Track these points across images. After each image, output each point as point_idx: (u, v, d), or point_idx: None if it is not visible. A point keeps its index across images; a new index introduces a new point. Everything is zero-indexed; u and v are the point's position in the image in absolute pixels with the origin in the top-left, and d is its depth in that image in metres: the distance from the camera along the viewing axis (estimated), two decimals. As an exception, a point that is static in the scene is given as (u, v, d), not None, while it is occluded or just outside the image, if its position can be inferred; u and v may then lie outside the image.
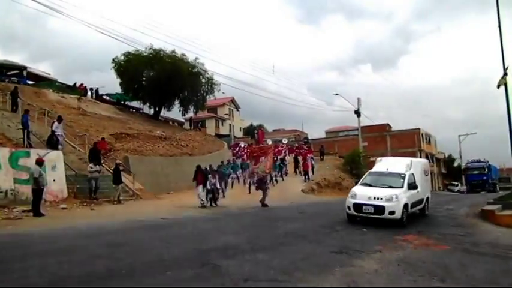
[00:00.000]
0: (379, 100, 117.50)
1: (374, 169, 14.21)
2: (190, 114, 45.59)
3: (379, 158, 15.47)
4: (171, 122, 47.37)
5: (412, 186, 12.55)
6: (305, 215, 14.74)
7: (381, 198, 11.55)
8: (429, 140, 56.74)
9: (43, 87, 31.50)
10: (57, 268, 6.13)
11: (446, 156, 67.13)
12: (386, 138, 52.53)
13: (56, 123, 18.24)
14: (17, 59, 73.90)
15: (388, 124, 55.59)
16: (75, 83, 37.97)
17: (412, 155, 50.41)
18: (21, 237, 8.84)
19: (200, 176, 17.14)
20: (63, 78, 39.15)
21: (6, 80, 29.14)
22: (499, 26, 16.15)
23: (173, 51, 37.83)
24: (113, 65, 38.20)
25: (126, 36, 41.06)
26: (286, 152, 34.43)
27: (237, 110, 69.17)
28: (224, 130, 59.88)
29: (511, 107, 15.82)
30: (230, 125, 62.40)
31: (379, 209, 11.40)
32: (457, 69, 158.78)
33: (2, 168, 13.81)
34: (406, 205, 11.77)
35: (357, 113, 36.72)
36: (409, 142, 50.65)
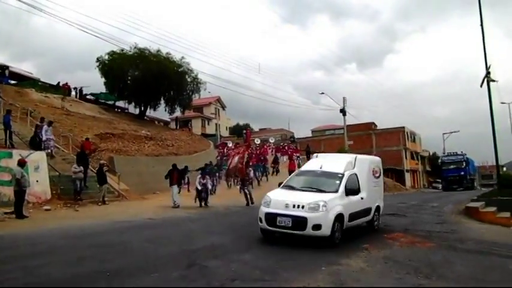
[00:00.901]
0: (364, 99, 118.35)
1: (304, 167, 11.03)
2: (177, 113, 45.34)
3: (315, 154, 12.18)
4: (156, 122, 47.04)
5: (353, 191, 9.39)
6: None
7: (303, 207, 8.26)
8: (414, 138, 57.44)
9: (26, 86, 31.05)
10: (43, 270, 6.08)
11: (431, 154, 68.03)
12: (371, 137, 53.02)
13: (45, 126, 18.06)
14: (-2, 58, 72.64)
15: (373, 123, 56.11)
16: (58, 83, 37.48)
17: (398, 153, 51.25)
18: (5, 239, 8.69)
19: (175, 175, 17.14)
20: (46, 78, 38.92)
21: (-13, 80, 28.64)
22: (481, 25, 16.42)
23: (158, 51, 37.56)
24: (97, 64, 37.71)
25: (110, 35, 40.71)
26: (273, 152, 34.52)
27: (223, 109, 69.04)
28: (210, 129, 59.71)
29: (493, 105, 16.04)
30: (216, 124, 62.21)
31: (299, 222, 8.12)
32: (441, 67, 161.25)
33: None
34: (339, 216, 8.52)
35: (343, 111, 36.96)
36: (394, 140, 51.27)
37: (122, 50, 36.37)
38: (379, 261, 7.22)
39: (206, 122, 61.44)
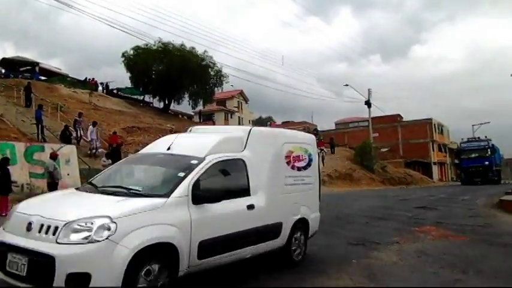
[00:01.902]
0: (389, 91, 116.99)
1: (147, 148, 6.63)
2: (200, 107, 45.66)
3: (190, 128, 7.24)
4: (180, 116, 47.45)
5: (221, 193, 4.98)
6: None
7: (55, 230, 3.77)
8: (441, 130, 56.29)
9: (55, 82, 31.79)
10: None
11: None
12: (397, 129, 52.26)
13: (90, 127, 18.72)
14: (28, 55, 74.47)
15: (399, 115, 55.24)
16: (86, 78, 38.24)
17: (425, 145, 50.33)
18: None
19: None
20: (73, 74, 39.51)
21: (20, 76, 29.45)
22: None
23: (182, 45, 37.84)
24: (123, 59, 38.32)
25: (135, 29, 41.21)
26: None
27: (246, 103, 69.02)
28: (233, 123, 59.78)
29: None
30: (239, 117, 62.35)
31: (39, 267, 3.69)
32: (470, 58, 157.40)
33: (17, 163, 13.93)
34: (156, 251, 4.07)
35: (368, 103, 36.53)
36: (420, 132, 50.35)
37: (147, 45, 36.87)
38: (411, 254, 7.08)
39: (229, 116, 61.58)
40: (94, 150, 18.29)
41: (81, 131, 18.86)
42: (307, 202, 6.68)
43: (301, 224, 6.46)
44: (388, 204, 15.05)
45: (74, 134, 18.38)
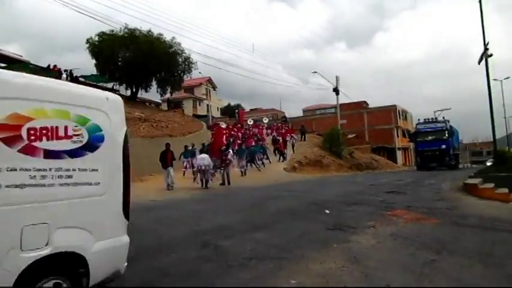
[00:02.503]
0: (354, 77, 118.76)
1: None
2: (168, 95, 45.04)
3: None
4: (147, 103, 46.66)
5: None
6: (292, 193, 14.89)
7: None
8: (405, 116, 57.83)
9: (16, 69, 30.35)
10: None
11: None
12: (363, 116, 53.33)
13: None
14: (-17, 40, 70.98)
15: (365, 101, 56.42)
16: (49, 65, 36.82)
17: (389, 131, 51.69)
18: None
19: (170, 156, 17.09)
20: (33, 61, 37.82)
21: (-25, 63, 28.06)
22: (480, 1, 16.31)
23: (149, 31, 37.02)
24: (87, 45, 37.12)
25: (99, 13, 39.59)
26: (268, 132, 34.47)
27: (214, 90, 68.57)
28: (201, 110, 59.38)
29: (491, 82, 15.68)
30: (207, 105, 61.92)
31: None
32: (431, 45, 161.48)
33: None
34: None
35: (336, 90, 37.06)
36: (385, 119, 51.62)
37: (112, 31, 35.87)
38: (387, 238, 7.35)
39: (197, 103, 61.09)
40: None
41: None
42: (82, 221, 3.73)
43: (62, 265, 3.49)
44: (359, 190, 15.44)
45: None
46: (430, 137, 31.34)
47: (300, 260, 5.87)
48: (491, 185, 13.17)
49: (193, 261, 5.78)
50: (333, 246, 6.66)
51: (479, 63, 16.68)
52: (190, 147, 22.19)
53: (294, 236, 7.47)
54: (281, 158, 28.50)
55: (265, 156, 26.92)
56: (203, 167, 16.79)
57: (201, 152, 19.73)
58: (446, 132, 31.37)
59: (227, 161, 18.45)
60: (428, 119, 33.61)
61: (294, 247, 6.62)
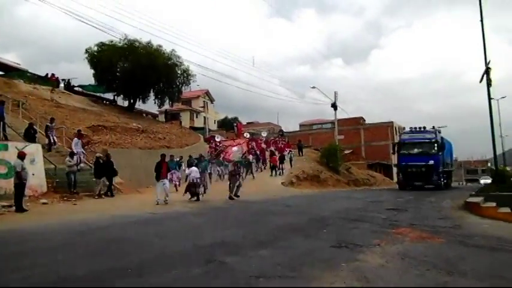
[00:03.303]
0: (350, 94, 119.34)
1: None
2: (166, 106, 44.98)
3: None
4: (144, 114, 46.58)
5: None
6: (291, 208, 14.74)
7: None
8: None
9: (13, 77, 30.39)
10: (60, 266, 5.93)
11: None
12: (360, 132, 53.47)
13: (75, 139, 18.15)
14: (-20, 47, 70.97)
15: (362, 117, 56.54)
16: (47, 74, 36.82)
17: (386, 148, 51.74)
18: (12, 233, 8.50)
19: (165, 167, 16.38)
20: (30, 69, 37.81)
21: (-27, 71, 27.96)
22: (481, 21, 16.40)
23: (149, 42, 37.21)
24: (86, 55, 37.16)
25: (98, 23, 39.71)
26: (266, 146, 34.35)
27: (212, 103, 68.65)
28: (198, 123, 59.36)
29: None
30: (205, 117, 61.87)
31: None
32: (426, 63, 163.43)
33: (-22, 162, 13.21)
34: None
35: (334, 106, 37.04)
36: (382, 135, 51.81)
37: (111, 42, 36.03)
38: (395, 257, 7.18)
39: (195, 115, 61.07)
40: (77, 166, 17.01)
41: (54, 138, 18.15)
42: None
43: None
44: (360, 206, 15.29)
45: (46, 141, 17.92)
46: (415, 150, 25.99)
47: (309, 280, 5.70)
48: (493, 204, 13.07)
49: (199, 278, 5.59)
50: (341, 265, 6.47)
51: (480, 81, 16.70)
52: (178, 159, 21.78)
53: (299, 254, 7.28)
54: (274, 172, 28.06)
55: (249, 171, 26.10)
56: (195, 180, 16.53)
57: (189, 164, 19.32)
58: (436, 144, 25.57)
59: (238, 174, 18.23)
60: (415, 127, 27.29)
61: (301, 265, 6.43)
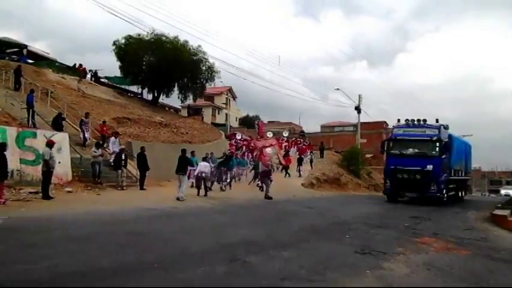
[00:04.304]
0: (372, 97, 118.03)
1: None
2: (189, 101, 45.27)
3: None
4: (167, 108, 46.94)
5: None
6: (313, 210, 14.68)
7: None
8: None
9: (43, 66, 30.94)
10: (87, 256, 6.01)
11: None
12: (382, 136, 52.56)
13: (112, 138, 18.42)
14: (12, 36, 72.66)
15: (385, 122, 55.68)
16: (74, 64, 37.41)
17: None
18: (40, 221, 8.68)
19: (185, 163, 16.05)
20: (58, 58, 38.39)
21: (6, 58, 28.57)
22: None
23: (175, 38, 37.41)
24: (114, 47, 37.62)
25: (128, 15, 40.02)
26: (286, 147, 34.22)
27: (234, 100, 68.84)
28: (220, 119, 59.61)
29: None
30: (226, 114, 62.10)
31: None
32: (453, 69, 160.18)
33: (8, 148, 13.52)
34: None
35: (358, 109, 36.70)
36: (405, 141, 50.78)
37: (139, 35, 36.41)
38: (420, 266, 7.06)
39: (217, 112, 61.34)
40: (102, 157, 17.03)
41: (88, 133, 18.36)
42: None
43: None
44: (381, 212, 15.14)
45: (81, 136, 18.26)
46: (410, 150, 19.48)
47: (333, 284, 5.65)
48: (520, 218, 12.70)
49: (224, 277, 5.60)
50: (366, 272, 6.40)
51: (513, 91, 16.14)
52: (206, 155, 21.64)
53: (322, 258, 7.22)
54: (286, 174, 27.40)
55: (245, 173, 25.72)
56: (203, 175, 16.44)
57: (204, 160, 19.25)
58: (438, 144, 18.98)
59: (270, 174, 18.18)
60: (413, 120, 20.02)
61: (325, 270, 6.37)
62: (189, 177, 17.13)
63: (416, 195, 19.78)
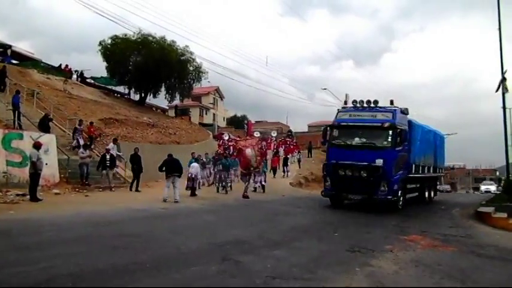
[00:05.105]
0: (359, 96, 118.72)
1: None
2: (176, 101, 45.10)
3: None
4: (154, 109, 46.68)
5: None
6: (302, 209, 14.80)
7: None
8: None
9: (27, 67, 30.54)
10: (80, 259, 6.00)
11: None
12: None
13: (111, 144, 18.37)
14: (-6, 35, 71.51)
15: (371, 121, 56.15)
16: (60, 64, 37.00)
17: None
18: (29, 223, 8.62)
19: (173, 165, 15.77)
20: (42, 58, 37.85)
21: (-10, 59, 28.15)
22: (499, 29, 16.22)
23: (162, 38, 37.22)
24: (99, 47, 37.26)
25: (114, 15, 39.68)
26: (275, 146, 34.35)
27: (221, 100, 68.78)
28: (208, 119, 59.51)
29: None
30: (214, 114, 62.01)
31: None
32: (438, 69, 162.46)
33: (-6, 150, 13.43)
34: None
35: (345, 108, 36.84)
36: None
37: (125, 35, 36.19)
38: (408, 264, 7.19)
39: (204, 112, 61.22)
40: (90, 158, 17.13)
41: (81, 140, 18.19)
42: None
43: None
44: (368, 211, 15.25)
45: (74, 143, 18.10)
46: (356, 139, 15.08)
47: (324, 282, 5.74)
48: (504, 215, 12.95)
49: (216, 276, 5.64)
50: (355, 269, 6.51)
51: (496, 91, 16.56)
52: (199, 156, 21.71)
53: (313, 256, 7.32)
54: (273, 174, 27.54)
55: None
56: (193, 175, 16.75)
57: (196, 161, 19.20)
58: (391, 132, 14.56)
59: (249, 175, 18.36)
60: (361, 101, 15.55)
61: (316, 268, 6.46)
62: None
63: (362, 197, 15.04)
